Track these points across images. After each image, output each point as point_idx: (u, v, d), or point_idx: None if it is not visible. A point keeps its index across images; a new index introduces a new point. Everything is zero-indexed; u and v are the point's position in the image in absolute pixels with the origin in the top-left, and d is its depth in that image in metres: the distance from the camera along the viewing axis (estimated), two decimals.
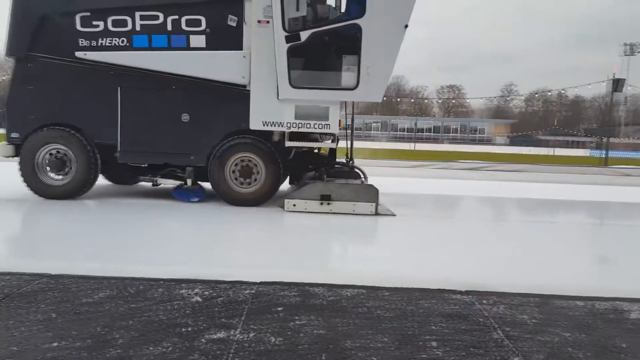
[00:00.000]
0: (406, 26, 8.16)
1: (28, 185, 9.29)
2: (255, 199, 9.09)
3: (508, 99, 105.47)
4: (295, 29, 8.47)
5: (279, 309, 4.10)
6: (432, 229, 7.71)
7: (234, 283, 4.68)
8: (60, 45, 9.27)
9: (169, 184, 9.61)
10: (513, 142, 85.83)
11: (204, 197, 9.40)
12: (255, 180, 9.10)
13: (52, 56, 9.31)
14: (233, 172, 9.15)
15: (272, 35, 8.50)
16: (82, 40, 9.22)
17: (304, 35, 8.41)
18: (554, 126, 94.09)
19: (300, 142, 8.97)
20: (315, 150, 9.93)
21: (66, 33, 9.22)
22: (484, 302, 4.31)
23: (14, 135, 9.41)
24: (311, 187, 8.77)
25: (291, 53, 8.47)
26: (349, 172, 9.70)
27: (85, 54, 9.25)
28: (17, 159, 9.37)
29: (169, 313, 3.97)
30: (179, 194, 9.46)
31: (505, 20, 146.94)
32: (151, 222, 7.52)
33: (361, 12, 8.25)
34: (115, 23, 9.13)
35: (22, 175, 9.28)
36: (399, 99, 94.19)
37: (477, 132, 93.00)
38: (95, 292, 4.38)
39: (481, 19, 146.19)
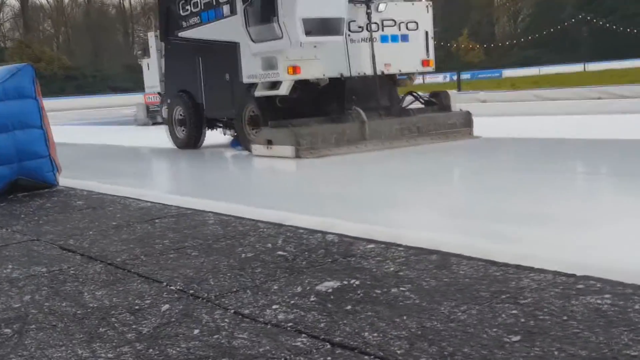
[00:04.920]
0: None
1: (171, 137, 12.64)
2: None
3: None
4: None
5: None
6: None
7: None
8: (174, 29, 12.19)
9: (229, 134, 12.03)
10: None
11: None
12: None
13: (172, 38, 12.30)
14: (248, 123, 10.68)
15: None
16: (182, 22, 11.92)
17: None
18: None
19: (267, 92, 10.07)
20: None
21: (175, 18, 12.08)
22: None
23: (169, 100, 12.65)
24: (261, 133, 10.01)
25: (246, 12, 10.07)
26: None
27: (182, 34, 12.00)
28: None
29: None
30: (236, 144, 11.38)
31: None
32: None
33: None
34: (194, 5, 11.57)
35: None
36: None
37: None
38: None
39: None
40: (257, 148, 9.98)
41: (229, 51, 10.67)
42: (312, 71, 9.88)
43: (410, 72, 11.40)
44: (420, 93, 11.93)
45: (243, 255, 3.74)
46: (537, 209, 4.94)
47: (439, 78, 62.07)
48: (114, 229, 4.80)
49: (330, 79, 10.18)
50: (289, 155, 9.37)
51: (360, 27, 10.46)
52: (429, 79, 62.73)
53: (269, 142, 9.75)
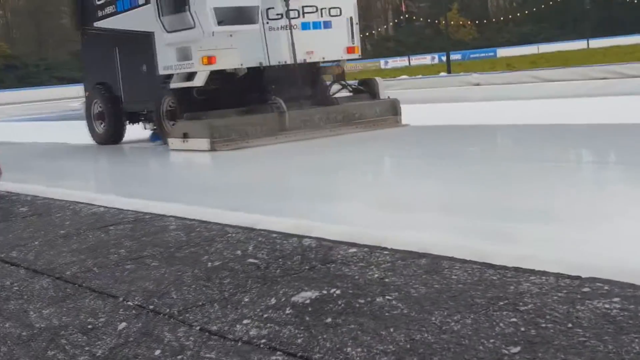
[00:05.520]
0: None
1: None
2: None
3: None
4: None
5: None
6: None
7: None
8: (90, 19, 12.77)
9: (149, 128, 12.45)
10: None
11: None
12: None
13: (88, 28, 12.94)
14: (166, 116, 11.25)
15: None
16: (98, 12, 12.53)
17: None
18: None
19: (182, 83, 10.68)
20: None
21: (91, 7, 12.69)
22: None
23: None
24: (177, 126, 10.61)
25: (159, 1, 10.75)
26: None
27: (98, 24, 12.66)
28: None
29: None
30: (155, 138, 11.91)
31: None
32: None
33: None
34: None
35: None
36: None
37: None
38: None
39: None
40: (173, 142, 10.62)
41: (145, 41, 11.29)
42: (229, 61, 10.57)
43: (335, 60, 12.06)
44: (349, 81, 12.69)
45: (209, 264, 3.73)
46: (518, 203, 4.98)
47: (427, 59, 62.44)
48: (62, 238, 4.76)
49: (250, 69, 10.80)
50: (204, 148, 10.01)
51: (279, 14, 11.07)
52: (415, 60, 63.21)
53: (185, 135, 10.35)
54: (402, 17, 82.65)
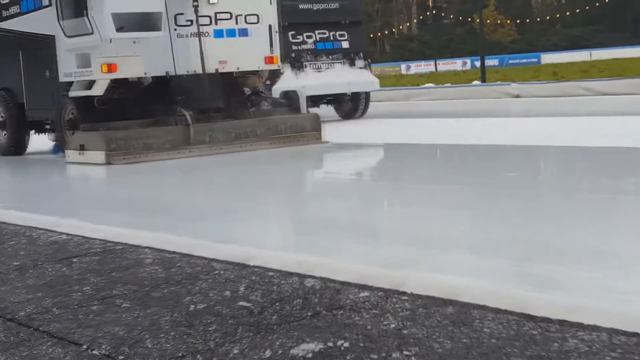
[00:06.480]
0: None
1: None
2: None
3: None
4: None
5: None
6: None
7: None
8: None
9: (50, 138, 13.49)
10: None
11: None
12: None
13: None
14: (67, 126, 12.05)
15: None
16: (2, 12, 13.27)
17: None
18: None
19: (82, 92, 11.51)
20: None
21: None
22: None
23: None
24: (74, 137, 11.51)
25: (59, 3, 11.49)
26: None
27: (1, 24, 13.41)
28: None
29: None
30: (57, 149, 12.74)
31: None
32: None
33: None
34: None
35: None
36: None
37: None
38: None
39: None
40: (70, 154, 11.60)
41: (48, 46, 12.06)
42: (132, 69, 11.36)
43: (252, 70, 12.93)
44: (269, 93, 13.99)
45: (192, 307, 3.73)
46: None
47: (457, 64, 62.63)
48: (16, 271, 4.77)
49: (156, 78, 11.65)
50: (100, 161, 10.98)
51: (189, 20, 11.94)
52: (443, 65, 63.37)
53: (82, 147, 11.31)
54: (428, 13, 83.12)
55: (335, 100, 18.76)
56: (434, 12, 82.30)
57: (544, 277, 4.21)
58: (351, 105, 18.76)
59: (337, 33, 17.95)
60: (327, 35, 17.79)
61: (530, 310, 3.28)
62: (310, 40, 17.53)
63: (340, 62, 17.97)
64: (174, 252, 4.91)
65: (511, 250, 4.98)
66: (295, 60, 17.18)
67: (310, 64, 17.37)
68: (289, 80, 16.48)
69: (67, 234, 5.82)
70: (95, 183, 10.74)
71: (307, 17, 17.40)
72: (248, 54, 12.50)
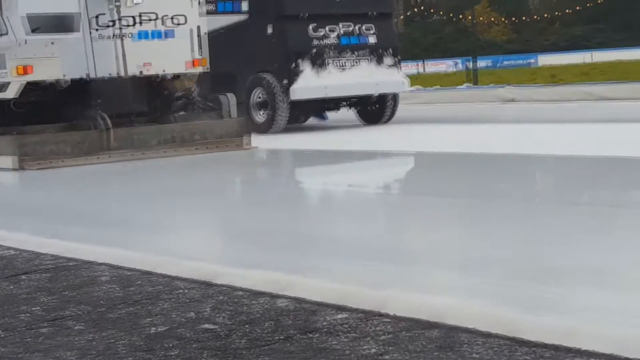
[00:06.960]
0: None
1: None
2: None
3: None
4: None
5: None
6: None
7: None
8: None
9: None
10: None
11: None
12: None
13: None
14: None
15: None
16: None
17: None
18: None
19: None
20: None
21: None
22: None
23: None
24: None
25: None
26: None
27: None
28: None
29: None
30: None
31: None
32: None
33: None
34: None
35: None
36: None
37: None
38: None
39: None
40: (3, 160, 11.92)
41: None
42: (49, 71, 11.78)
43: (177, 73, 13.43)
44: (199, 97, 14.12)
45: (152, 329, 3.72)
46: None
47: (446, 65, 62.84)
48: None
49: (74, 81, 12.04)
50: (10, 167, 11.49)
51: (111, 21, 12.39)
52: (430, 66, 63.61)
53: None
54: (415, 10, 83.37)
55: (358, 102, 18.10)
56: (421, 8, 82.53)
57: (537, 297, 4.23)
58: (377, 109, 18.20)
59: (364, 26, 17.54)
60: (352, 28, 17.39)
61: (523, 334, 3.30)
62: (333, 35, 17.12)
63: (367, 60, 17.53)
64: (133, 269, 4.89)
65: (502, 267, 4.99)
66: (316, 57, 16.74)
67: (333, 60, 16.92)
68: (309, 80, 16.27)
69: (16, 248, 5.79)
70: (3, 190, 11.20)
71: (329, 8, 17.01)
72: (173, 56, 13.05)
